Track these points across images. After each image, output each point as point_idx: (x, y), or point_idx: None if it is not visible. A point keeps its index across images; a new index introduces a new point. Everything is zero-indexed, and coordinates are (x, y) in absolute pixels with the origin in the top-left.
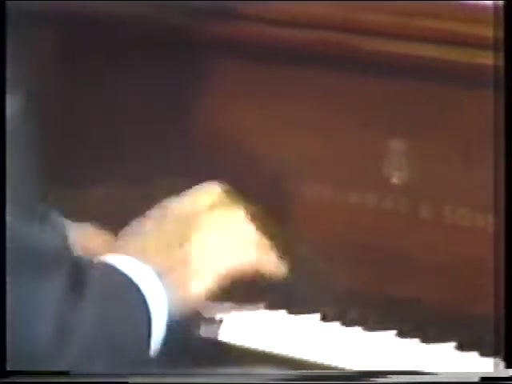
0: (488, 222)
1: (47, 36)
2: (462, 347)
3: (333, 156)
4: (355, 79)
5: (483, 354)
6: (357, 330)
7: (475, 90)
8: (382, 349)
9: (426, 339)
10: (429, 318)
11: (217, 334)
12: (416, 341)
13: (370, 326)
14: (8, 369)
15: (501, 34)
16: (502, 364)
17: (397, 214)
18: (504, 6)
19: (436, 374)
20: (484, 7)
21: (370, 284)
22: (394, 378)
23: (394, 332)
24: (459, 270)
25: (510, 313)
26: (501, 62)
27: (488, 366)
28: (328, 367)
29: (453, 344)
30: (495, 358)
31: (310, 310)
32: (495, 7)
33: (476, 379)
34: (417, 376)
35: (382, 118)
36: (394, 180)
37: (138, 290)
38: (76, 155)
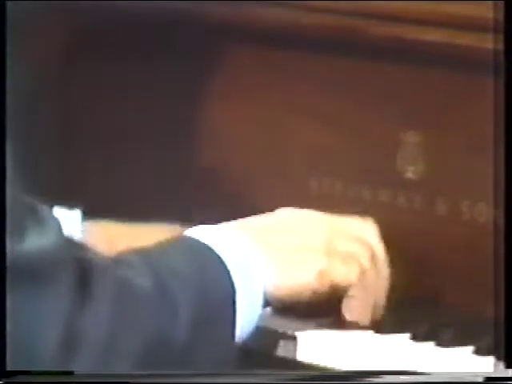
0: None
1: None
2: (479, 351)
3: (343, 149)
4: (366, 68)
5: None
6: (369, 333)
7: (497, 79)
8: (395, 352)
9: (442, 343)
10: (445, 320)
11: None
12: (431, 344)
13: (383, 328)
14: (8, 369)
15: None
16: (502, 364)
17: (412, 210)
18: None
19: (436, 374)
20: None
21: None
22: (395, 379)
23: (408, 335)
24: (478, 268)
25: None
26: None
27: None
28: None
29: (470, 348)
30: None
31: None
32: None
33: (475, 379)
34: (417, 376)
35: (395, 109)
36: (409, 175)
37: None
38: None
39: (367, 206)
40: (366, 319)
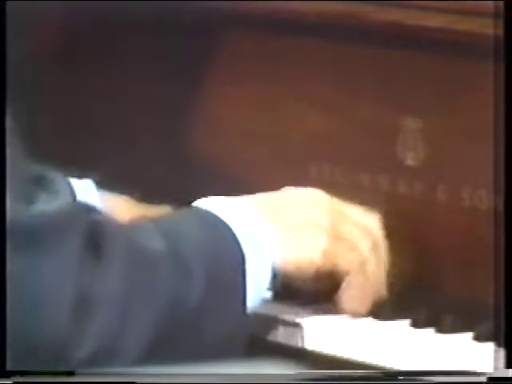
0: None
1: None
2: (479, 338)
3: (343, 136)
4: (366, 54)
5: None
6: (368, 320)
7: (497, 63)
8: (395, 340)
9: (442, 329)
10: (445, 306)
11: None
12: (431, 331)
13: (383, 315)
14: (8, 369)
15: None
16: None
17: (412, 197)
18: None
19: (435, 373)
20: None
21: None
22: (395, 379)
23: (408, 322)
24: (478, 255)
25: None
26: None
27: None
28: (338, 359)
29: (470, 335)
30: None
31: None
32: None
33: (475, 379)
34: (417, 376)
35: (395, 95)
36: (409, 161)
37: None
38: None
39: (367, 193)
40: (362, 309)
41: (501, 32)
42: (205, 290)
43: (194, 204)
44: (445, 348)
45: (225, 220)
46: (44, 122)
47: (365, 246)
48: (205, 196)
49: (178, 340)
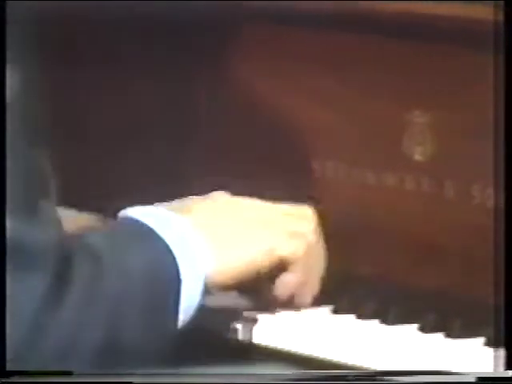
0: None
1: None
2: (490, 343)
3: (347, 131)
4: (370, 46)
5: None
6: (374, 323)
7: (509, 58)
8: (402, 344)
9: (451, 334)
10: (454, 310)
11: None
12: (440, 336)
13: (389, 319)
14: (8, 369)
15: None
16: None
17: (420, 194)
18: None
19: (435, 374)
20: None
21: (390, 272)
22: (394, 379)
23: (416, 326)
24: (488, 256)
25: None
26: None
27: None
28: (342, 365)
29: (481, 340)
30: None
31: (321, 302)
32: None
33: (475, 380)
34: (417, 376)
35: (401, 88)
36: (416, 156)
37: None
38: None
39: (372, 190)
40: (302, 298)
41: None
42: (137, 314)
43: (125, 214)
44: (452, 352)
45: (159, 233)
46: None
47: (309, 234)
48: (204, 191)
49: (121, 352)
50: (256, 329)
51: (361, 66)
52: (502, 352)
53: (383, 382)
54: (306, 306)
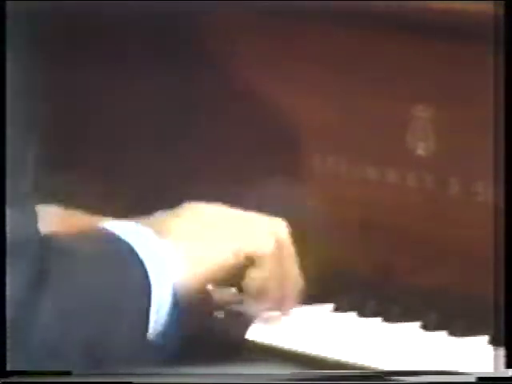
0: None
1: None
2: (494, 341)
3: (348, 125)
4: (371, 40)
5: None
6: (376, 321)
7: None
8: (404, 343)
9: (454, 332)
10: (457, 309)
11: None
12: (443, 334)
13: (391, 317)
14: (8, 369)
15: None
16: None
17: (422, 190)
18: None
19: (435, 373)
20: None
21: (391, 271)
22: (395, 379)
23: (418, 324)
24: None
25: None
26: None
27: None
28: (343, 364)
29: (484, 338)
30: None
31: (321, 300)
32: None
33: (475, 379)
34: (418, 377)
35: (403, 81)
36: (419, 152)
37: (138, 259)
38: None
39: (374, 186)
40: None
41: None
42: (103, 321)
43: (98, 225)
44: (455, 351)
45: (131, 244)
46: None
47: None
48: (203, 186)
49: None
50: (256, 327)
51: (363, 61)
52: (502, 351)
53: (383, 382)
54: (289, 304)
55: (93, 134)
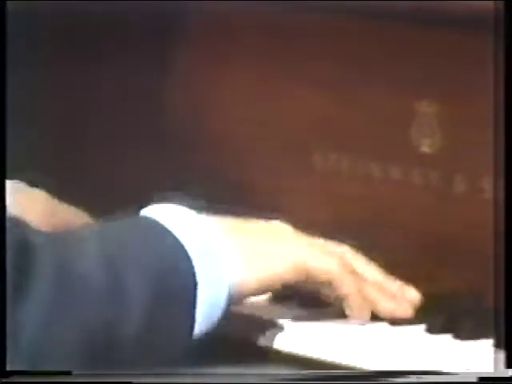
0: None
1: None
2: (499, 345)
3: (350, 121)
4: (374, 33)
5: None
6: (381, 324)
7: None
8: (409, 346)
9: (460, 335)
10: (464, 311)
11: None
12: (448, 337)
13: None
14: (8, 369)
15: None
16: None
17: (427, 188)
18: None
19: (435, 373)
20: None
21: (395, 271)
22: (397, 379)
23: (424, 327)
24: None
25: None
26: None
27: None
28: (347, 367)
29: (490, 341)
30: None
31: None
32: None
33: (475, 380)
34: (418, 376)
35: (408, 76)
36: (424, 148)
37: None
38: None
39: (377, 184)
40: (365, 315)
41: None
42: (145, 317)
43: (142, 212)
44: (460, 353)
45: (175, 233)
46: None
47: (346, 254)
48: (203, 183)
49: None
50: (275, 335)
51: (366, 56)
52: (502, 353)
53: (383, 382)
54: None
55: (93, 133)
